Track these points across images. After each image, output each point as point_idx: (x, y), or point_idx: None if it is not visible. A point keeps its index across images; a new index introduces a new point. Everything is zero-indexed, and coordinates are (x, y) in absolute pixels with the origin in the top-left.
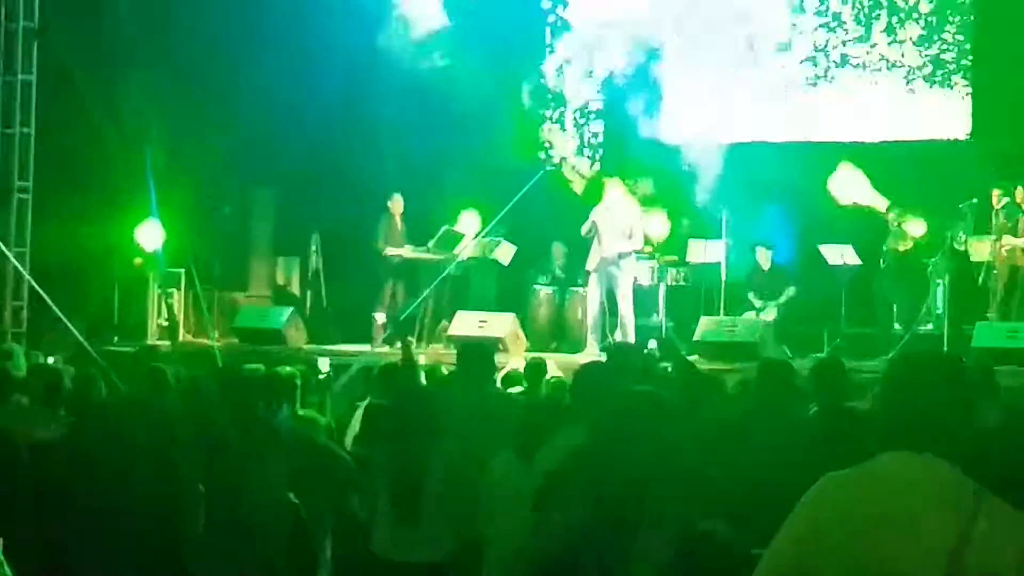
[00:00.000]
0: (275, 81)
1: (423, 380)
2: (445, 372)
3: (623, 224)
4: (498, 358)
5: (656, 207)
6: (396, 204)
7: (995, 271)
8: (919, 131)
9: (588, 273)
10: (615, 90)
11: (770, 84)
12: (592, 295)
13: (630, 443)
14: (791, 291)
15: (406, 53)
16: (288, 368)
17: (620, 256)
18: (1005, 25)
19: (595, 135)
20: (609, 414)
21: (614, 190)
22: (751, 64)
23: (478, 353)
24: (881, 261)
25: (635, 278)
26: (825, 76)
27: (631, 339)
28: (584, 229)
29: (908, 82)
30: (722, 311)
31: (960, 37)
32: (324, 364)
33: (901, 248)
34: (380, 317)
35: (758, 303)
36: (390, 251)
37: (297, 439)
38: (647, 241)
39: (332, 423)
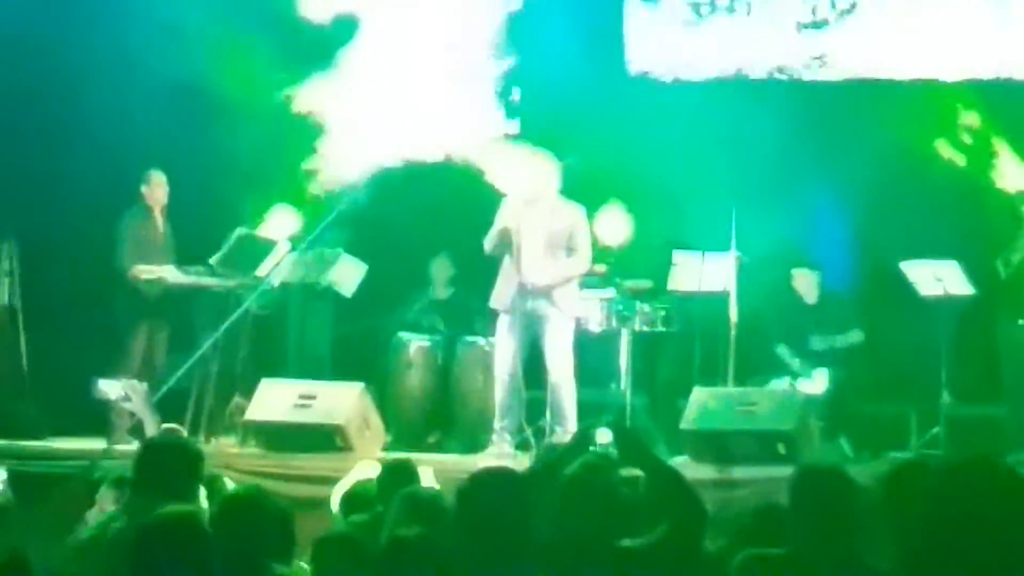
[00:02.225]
0: None
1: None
2: (230, 488)
3: (557, 231)
4: (333, 461)
5: (610, 199)
6: (156, 189)
7: None
8: None
9: (495, 314)
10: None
11: None
12: (503, 351)
13: None
14: (854, 338)
15: None
16: None
17: (552, 286)
18: None
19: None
20: None
21: (542, 175)
22: None
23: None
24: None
25: (580, 320)
26: None
27: (571, 427)
28: (489, 241)
29: None
30: (731, 377)
31: None
32: None
33: None
34: (117, 387)
35: (796, 363)
36: (145, 272)
37: None
38: (600, 254)
39: None
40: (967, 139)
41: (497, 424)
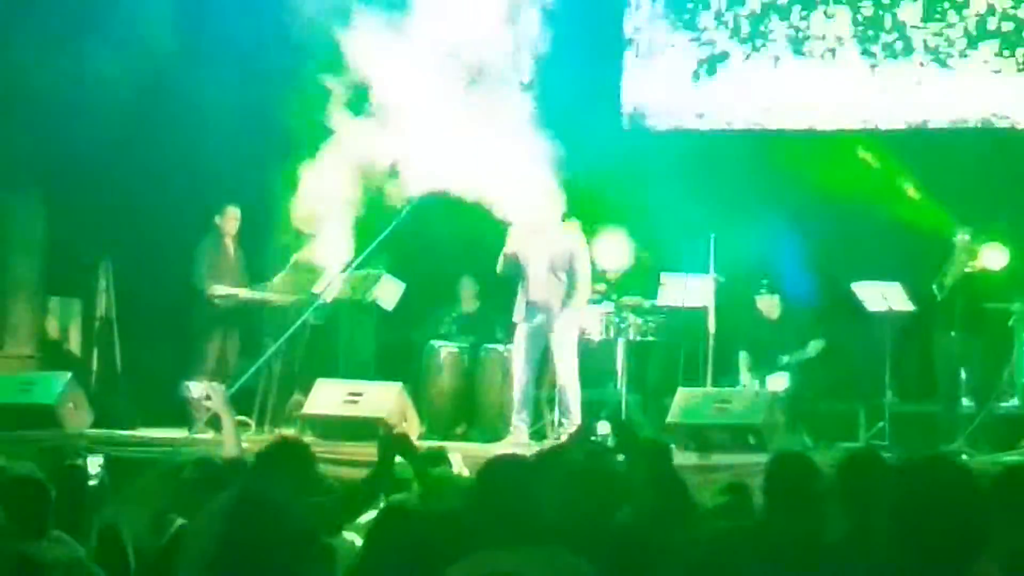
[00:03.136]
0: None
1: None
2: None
3: (559, 254)
4: (376, 449)
5: (612, 225)
6: (229, 221)
7: None
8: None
9: (513, 325)
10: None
11: (778, 50)
12: (518, 356)
13: None
14: (816, 346)
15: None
16: (26, 466)
17: (558, 301)
18: None
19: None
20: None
21: (543, 205)
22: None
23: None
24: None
25: (582, 331)
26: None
27: (576, 420)
28: (500, 264)
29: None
30: (709, 379)
31: None
32: (94, 464)
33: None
34: (200, 387)
35: (747, 376)
36: (219, 290)
37: None
38: (599, 276)
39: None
40: (899, 184)
41: (515, 417)
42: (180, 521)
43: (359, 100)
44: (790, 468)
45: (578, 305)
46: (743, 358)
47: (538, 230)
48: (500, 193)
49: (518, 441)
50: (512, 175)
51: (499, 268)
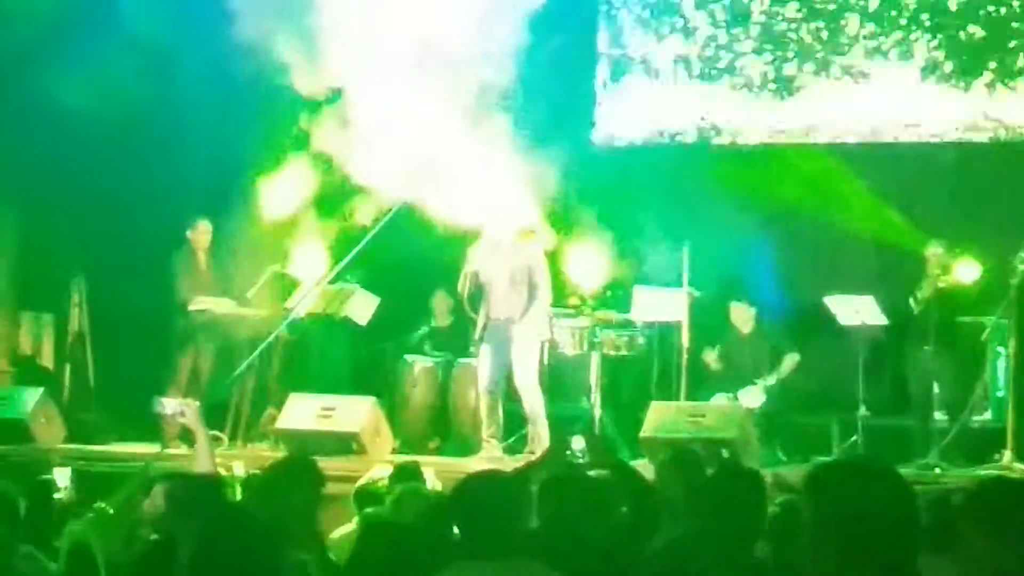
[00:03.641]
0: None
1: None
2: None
3: (519, 268)
4: (350, 463)
5: (585, 236)
6: (201, 234)
7: None
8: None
9: (478, 341)
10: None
11: (750, 66)
12: (483, 371)
13: None
14: (792, 360)
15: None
16: None
17: (518, 314)
18: None
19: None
20: None
21: (502, 219)
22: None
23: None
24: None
25: (553, 343)
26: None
27: (543, 432)
28: (461, 284)
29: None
30: (683, 393)
31: None
32: (62, 478)
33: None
34: (173, 403)
35: (715, 363)
36: (193, 304)
37: None
38: (572, 291)
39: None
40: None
41: (485, 432)
42: (152, 536)
43: (333, 113)
44: (737, 481)
45: (537, 315)
46: (711, 357)
47: (497, 246)
48: (468, 206)
49: (491, 455)
50: (480, 188)
51: (461, 287)
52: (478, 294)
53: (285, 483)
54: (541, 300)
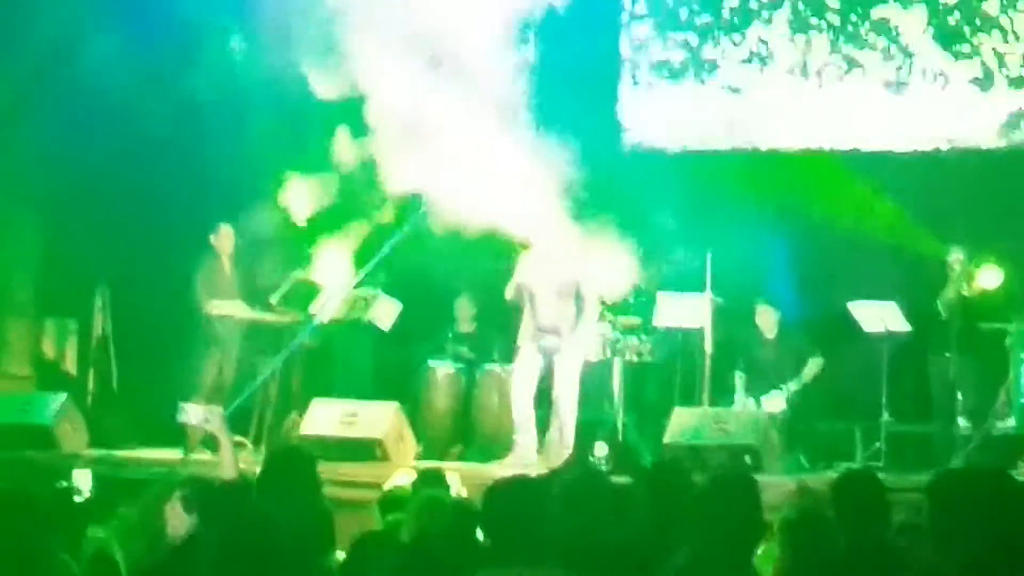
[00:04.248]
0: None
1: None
2: None
3: (566, 282)
4: (373, 469)
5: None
6: (224, 239)
7: None
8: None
9: (515, 347)
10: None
11: (775, 74)
12: (520, 377)
13: None
14: (815, 365)
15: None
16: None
17: (566, 325)
18: None
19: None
20: None
21: (553, 234)
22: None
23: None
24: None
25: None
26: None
27: (569, 441)
28: (509, 292)
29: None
30: (706, 399)
31: None
32: (83, 480)
33: (968, 305)
34: (197, 408)
35: (741, 393)
36: (216, 309)
37: None
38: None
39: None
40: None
41: (520, 437)
42: (175, 543)
43: (358, 119)
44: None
45: (586, 329)
46: (739, 378)
47: (545, 256)
48: (509, 217)
49: (521, 460)
50: (520, 198)
51: (510, 296)
52: (517, 301)
53: (279, 471)
54: (590, 316)
